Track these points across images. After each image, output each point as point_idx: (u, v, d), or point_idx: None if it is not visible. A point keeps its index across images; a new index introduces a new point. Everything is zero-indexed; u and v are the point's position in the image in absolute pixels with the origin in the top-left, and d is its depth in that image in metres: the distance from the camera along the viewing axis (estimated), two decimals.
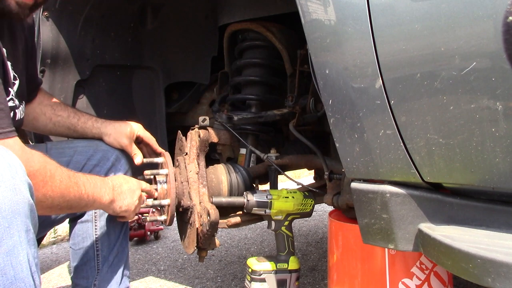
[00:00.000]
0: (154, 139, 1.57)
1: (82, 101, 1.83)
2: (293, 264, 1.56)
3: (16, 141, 1.03)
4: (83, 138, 1.51)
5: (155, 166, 1.53)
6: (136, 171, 1.53)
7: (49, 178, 1.04)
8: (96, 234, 1.48)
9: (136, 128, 1.52)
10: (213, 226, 1.41)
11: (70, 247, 1.52)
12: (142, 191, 1.36)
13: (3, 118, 1.02)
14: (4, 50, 1.17)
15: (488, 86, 0.84)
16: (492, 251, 0.84)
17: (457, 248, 0.88)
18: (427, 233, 0.96)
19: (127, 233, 1.56)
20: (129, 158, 1.51)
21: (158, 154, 1.55)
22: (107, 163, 1.47)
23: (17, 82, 1.26)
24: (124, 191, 1.29)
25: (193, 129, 1.57)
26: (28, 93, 1.40)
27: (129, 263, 1.58)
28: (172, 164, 1.47)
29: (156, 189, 1.43)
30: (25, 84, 1.35)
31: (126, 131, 1.49)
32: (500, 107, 0.84)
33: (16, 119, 1.27)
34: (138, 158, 1.49)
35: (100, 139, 1.51)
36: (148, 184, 1.40)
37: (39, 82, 1.54)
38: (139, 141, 1.54)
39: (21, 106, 1.31)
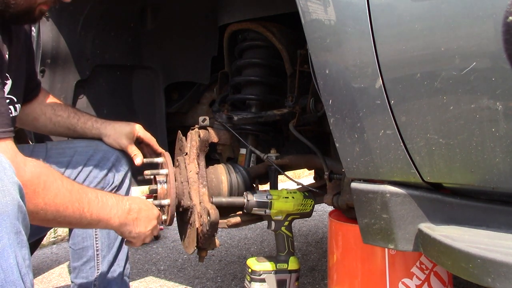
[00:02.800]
0: (154, 140, 1.56)
1: (82, 101, 1.83)
2: (293, 264, 1.56)
3: (8, 145, 1.00)
4: (84, 138, 1.51)
5: (155, 166, 1.53)
6: (136, 172, 1.53)
7: (41, 190, 0.98)
8: (96, 234, 1.48)
9: (137, 129, 1.51)
10: (213, 226, 1.41)
11: (70, 247, 1.52)
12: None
13: None
14: None
15: (488, 86, 0.84)
16: (492, 251, 0.84)
17: (457, 248, 0.88)
18: (427, 233, 0.96)
19: None
20: (129, 158, 1.51)
21: (158, 154, 1.55)
22: (107, 163, 1.47)
23: (8, 82, 1.24)
24: (140, 218, 1.22)
25: (193, 129, 1.57)
26: (26, 94, 1.39)
27: (129, 263, 1.58)
28: (172, 164, 1.47)
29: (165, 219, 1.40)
30: (22, 85, 1.34)
31: (126, 132, 1.49)
32: (500, 107, 0.84)
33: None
34: (138, 159, 1.49)
35: (100, 139, 1.50)
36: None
37: (38, 82, 1.53)
38: (139, 142, 1.54)
39: (13, 106, 1.28)
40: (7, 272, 0.82)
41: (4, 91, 1.11)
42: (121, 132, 1.49)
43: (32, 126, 1.52)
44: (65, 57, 1.72)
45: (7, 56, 1.20)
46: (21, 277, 0.84)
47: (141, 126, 1.54)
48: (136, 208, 1.22)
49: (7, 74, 1.24)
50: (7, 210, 0.83)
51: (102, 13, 1.78)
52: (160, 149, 1.56)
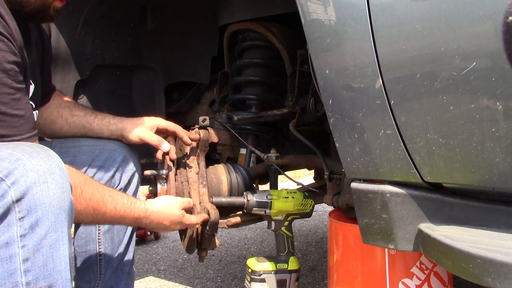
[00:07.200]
0: (179, 127, 1.48)
1: (82, 101, 1.83)
2: (293, 264, 1.56)
3: None
4: (97, 138, 1.45)
5: (155, 166, 1.52)
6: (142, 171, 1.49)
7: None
8: (99, 238, 1.45)
9: (156, 120, 1.45)
10: (213, 226, 1.41)
11: (74, 248, 1.50)
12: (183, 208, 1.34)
13: (23, 124, 1.02)
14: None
15: (488, 86, 0.84)
16: (492, 251, 0.84)
17: (457, 248, 0.88)
18: (427, 233, 0.96)
19: (132, 238, 1.51)
20: (137, 159, 1.47)
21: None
22: (113, 164, 1.41)
23: (32, 87, 1.23)
24: (157, 228, 1.29)
25: (193, 129, 1.57)
26: (41, 98, 1.36)
27: (134, 267, 1.55)
28: (172, 164, 1.47)
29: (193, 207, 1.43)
30: (40, 90, 1.31)
31: (145, 123, 1.43)
32: (500, 107, 0.84)
33: None
34: (165, 145, 1.42)
35: (120, 136, 1.44)
36: (188, 200, 1.39)
37: (53, 87, 1.49)
38: (165, 136, 1.47)
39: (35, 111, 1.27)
40: (57, 262, 0.88)
41: (28, 96, 1.11)
42: (140, 124, 1.42)
43: (49, 130, 1.46)
44: (65, 57, 1.72)
45: (28, 61, 1.19)
46: (69, 268, 0.90)
47: (161, 118, 1.47)
48: (153, 223, 1.26)
49: (30, 79, 1.22)
50: (65, 205, 0.89)
51: (102, 13, 1.78)
52: (186, 138, 1.48)
